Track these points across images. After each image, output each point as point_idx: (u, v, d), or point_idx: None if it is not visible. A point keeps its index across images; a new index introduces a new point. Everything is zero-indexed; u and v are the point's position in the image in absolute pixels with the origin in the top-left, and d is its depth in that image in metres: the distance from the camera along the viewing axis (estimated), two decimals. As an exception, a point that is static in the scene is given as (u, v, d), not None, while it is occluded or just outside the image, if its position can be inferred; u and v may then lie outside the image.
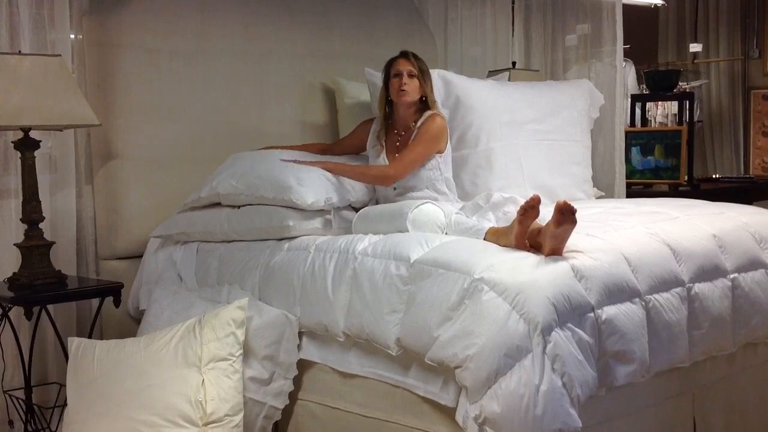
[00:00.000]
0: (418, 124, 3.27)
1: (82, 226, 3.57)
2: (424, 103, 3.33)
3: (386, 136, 3.36)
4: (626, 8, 4.66)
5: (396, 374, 2.63)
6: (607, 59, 4.67)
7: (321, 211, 3.14)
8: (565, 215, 2.40)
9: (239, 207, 3.27)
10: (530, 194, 2.54)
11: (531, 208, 2.50)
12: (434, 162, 3.26)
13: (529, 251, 2.53)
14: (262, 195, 3.15)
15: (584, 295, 2.38)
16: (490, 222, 2.81)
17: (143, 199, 3.57)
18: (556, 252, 2.47)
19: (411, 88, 3.28)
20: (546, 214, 2.54)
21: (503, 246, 2.59)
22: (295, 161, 3.26)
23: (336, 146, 3.63)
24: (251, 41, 3.94)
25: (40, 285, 3.07)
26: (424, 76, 3.31)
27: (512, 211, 2.78)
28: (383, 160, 3.31)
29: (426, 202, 2.95)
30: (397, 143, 3.32)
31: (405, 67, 3.29)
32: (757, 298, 2.97)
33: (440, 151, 3.28)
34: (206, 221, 3.31)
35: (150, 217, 3.55)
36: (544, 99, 4.00)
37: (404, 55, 3.34)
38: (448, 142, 3.34)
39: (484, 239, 2.70)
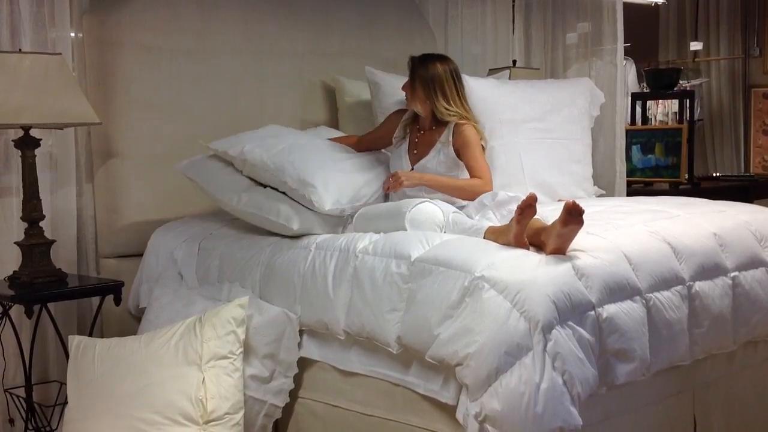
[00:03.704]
0: (449, 137, 3.17)
1: (82, 224, 3.57)
2: (435, 115, 3.22)
3: (411, 131, 3.31)
4: (627, 6, 4.66)
5: (396, 372, 2.63)
6: (608, 57, 4.67)
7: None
8: (573, 216, 2.39)
9: (256, 183, 3.22)
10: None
11: (528, 207, 2.50)
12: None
13: (529, 249, 2.53)
14: (285, 181, 3.08)
15: (585, 293, 2.38)
16: (490, 221, 2.81)
17: (144, 197, 3.57)
18: (559, 251, 2.47)
19: (409, 97, 3.26)
20: (546, 212, 2.54)
21: (503, 244, 2.59)
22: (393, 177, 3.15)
23: (365, 140, 3.49)
24: (251, 39, 3.94)
25: (40, 283, 3.08)
26: (415, 85, 3.20)
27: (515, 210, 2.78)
28: (403, 151, 3.27)
29: (424, 201, 2.93)
30: (416, 140, 3.28)
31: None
32: (757, 297, 2.97)
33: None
34: (223, 186, 3.25)
35: (150, 215, 3.55)
36: (545, 97, 3.99)
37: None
38: None
39: (484, 238, 2.70)
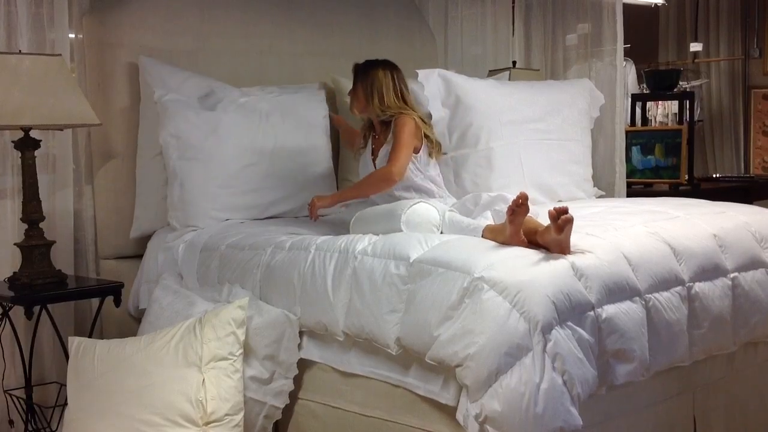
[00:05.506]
0: (391, 129, 3.22)
1: (81, 225, 3.56)
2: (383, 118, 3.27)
3: (371, 138, 3.37)
4: (626, 7, 4.66)
5: (396, 374, 2.62)
6: (608, 58, 4.67)
7: None
8: (561, 219, 2.42)
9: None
10: (529, 193, 2.56)
11: (518, 206, 2.51)
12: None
13: (528, 247, 2.53)
14: None
15: (584, 294, 2.38)
16: (488, 219, 2.81)
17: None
18: (563, 252, 2.49)
19: (352, 103, 3.33)
20: (544, 213, 2.54)
21: (501, 243, 2.59)
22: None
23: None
24: (251, 40, 3.94)
25: (40, 284, 3.07)
26: (357, 90, 3.28)
27: (503, 209, 2.78)
28: (367, 156, 3.33)
29: (418, 202, 2.93)
30: (374, 145, 3.34)
31: None
32: (757, 298, 2.97)
33: (416, 149, 3.20)
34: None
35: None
36: (545, 98, 4.00)
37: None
38: (423, 140, 3.23)
39: (482, 237, 2.70)
